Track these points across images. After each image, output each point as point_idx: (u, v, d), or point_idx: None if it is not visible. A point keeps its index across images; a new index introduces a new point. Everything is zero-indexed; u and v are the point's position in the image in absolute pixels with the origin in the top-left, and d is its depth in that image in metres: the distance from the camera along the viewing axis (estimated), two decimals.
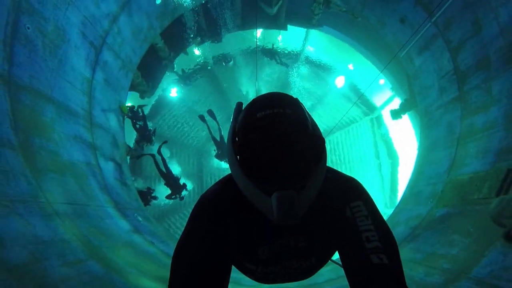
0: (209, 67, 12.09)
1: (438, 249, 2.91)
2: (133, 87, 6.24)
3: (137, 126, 7.77)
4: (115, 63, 4.90)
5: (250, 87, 12.48)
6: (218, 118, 10.49)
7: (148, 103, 10.63)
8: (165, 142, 9.23)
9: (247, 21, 8.04)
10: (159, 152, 8.72)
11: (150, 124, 8.71)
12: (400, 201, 5.01)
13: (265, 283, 1.11)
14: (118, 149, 5.22)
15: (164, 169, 8.67)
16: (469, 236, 2.66)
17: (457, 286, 2.28)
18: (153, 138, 8.15)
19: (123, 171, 5.29)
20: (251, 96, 12.39)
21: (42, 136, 3.08)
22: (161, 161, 8.79)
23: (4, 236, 2.03)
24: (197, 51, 11.41)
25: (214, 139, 9.92)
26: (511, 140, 3.01)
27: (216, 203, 0.87)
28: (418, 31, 4.92)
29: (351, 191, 0.89)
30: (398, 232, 4.15)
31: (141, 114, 7.66)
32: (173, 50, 7.12)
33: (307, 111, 0.86)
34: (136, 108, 7.45)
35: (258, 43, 11.08)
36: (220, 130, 9.84)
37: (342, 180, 0.94)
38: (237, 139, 0.84)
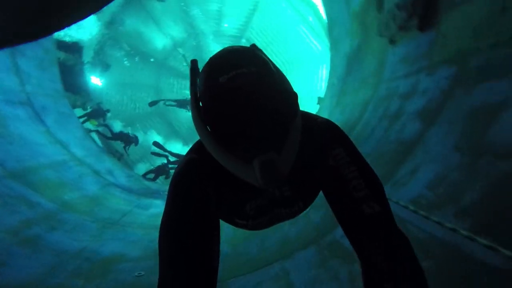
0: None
1: (366, 72, 3.98)
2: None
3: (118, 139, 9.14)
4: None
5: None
6: None
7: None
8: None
9: None
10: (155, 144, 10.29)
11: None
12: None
13: (257, 230, 1.12)
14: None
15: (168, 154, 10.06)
16: (375, 57, 3.69)
17: (379, 89, 3.41)
18: (134, 137, 9.46)
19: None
20: None
21: None
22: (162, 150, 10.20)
23: None
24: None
25: None
26: None
27: (193, 173, 0.82)
28: None
29: (329, 137, 0.87)
30: (337, 67, 5.18)
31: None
32: None
33: (270, 61, 0.80)
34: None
35: None
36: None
37: (318, 124, 0.91)
38: (201, 105, 0.76)
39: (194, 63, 0.91)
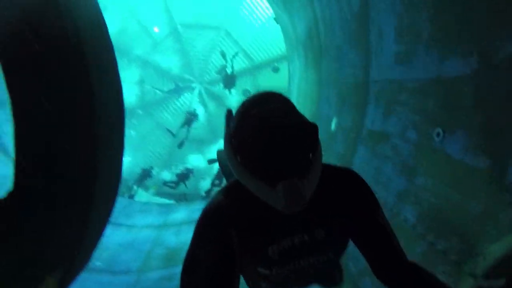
0: None
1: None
2: None
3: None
4: None
5: None
6: None
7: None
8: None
9: None
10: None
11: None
12: None
13: (281, 286, 1.11)
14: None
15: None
16: None
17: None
18: (189, 171, 10.38)
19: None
20: None
21: None
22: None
23: None
24: None
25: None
26: None
27: (218, 216, 0.88)
28: None
29: (365, 193, 0.95)
30: None
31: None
32: None
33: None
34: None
35: None
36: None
37: (342, 171, 0.99)
38: (233, 140, 0.84)
39: (230, 112, 1.00)
